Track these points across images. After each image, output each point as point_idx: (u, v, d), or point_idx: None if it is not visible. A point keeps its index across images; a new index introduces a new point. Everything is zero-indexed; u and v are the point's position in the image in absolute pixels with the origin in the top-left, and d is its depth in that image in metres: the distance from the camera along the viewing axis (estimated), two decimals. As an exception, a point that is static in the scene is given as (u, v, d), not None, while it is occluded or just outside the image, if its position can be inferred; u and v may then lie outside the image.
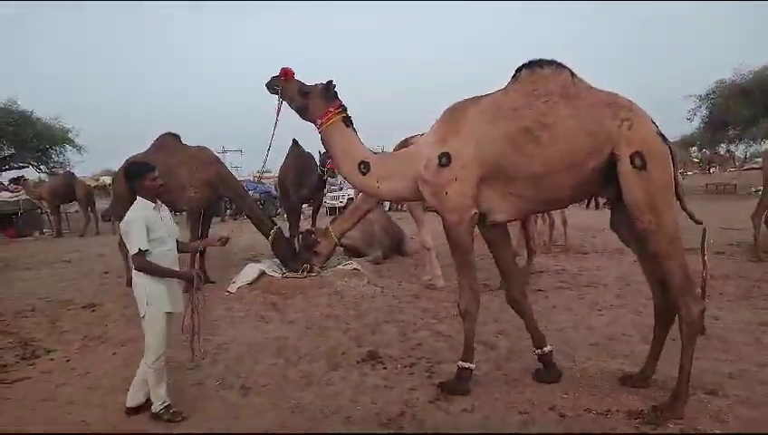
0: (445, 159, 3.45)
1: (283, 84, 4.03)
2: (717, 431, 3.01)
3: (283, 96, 4.04)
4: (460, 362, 3.72)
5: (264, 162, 4.35)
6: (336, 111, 3.87)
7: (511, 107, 3.36)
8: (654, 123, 3.28)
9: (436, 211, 3.79)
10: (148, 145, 7.85)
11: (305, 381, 4.02)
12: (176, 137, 7.75)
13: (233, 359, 4.51)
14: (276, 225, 7.30)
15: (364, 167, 3.84)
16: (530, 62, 3.45)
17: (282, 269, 7.14)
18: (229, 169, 8.30)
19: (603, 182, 3.30)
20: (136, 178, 3.57)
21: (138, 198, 3.56)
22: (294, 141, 8.86)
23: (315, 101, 3.91)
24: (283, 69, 4.06)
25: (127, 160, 7.83)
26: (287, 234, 8.05)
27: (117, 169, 8.43)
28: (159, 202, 3.62)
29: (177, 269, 3.57)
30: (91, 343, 5.12)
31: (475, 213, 3.48)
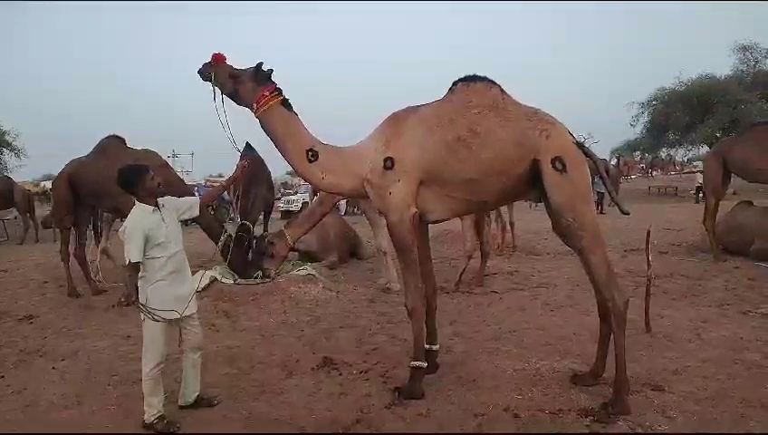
0: (389, 163, 3.61)
1: (213, 69, 3.85)
2: (664, 427, 3.10)
3: (215, 82, 3.85)
4: (412, 362, 3.76)
5: (233, 142, 3.99)
6: (271, 94, 3.78)
7: (447, 117, 3.61)
8: (570, 134, 3.61)
9: (379, 212, 3.86)
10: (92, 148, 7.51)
11: (258, 390, 3.91)
12: (120, 140, 7.44)
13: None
14: (226, 230, 7.11)
15: (312, 155, 3.81)
16: (465, 77, 3.75)
17: (234, 276, 6.95)
18: (180, 173, 8.04)
19: (528, 186, 3.60)
20: (135, 183, 3.40)
21: (136, 202, 3.40)
22: (247, 144, 8.66)
23: (246, 85, 3.79)
24: (214, 54, 3.88)
25: (68, 164, 7.49)
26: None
27: (57, 174, 8.01)
28: (161, 203, 3.46)
29: (186, 271, 3.53)
30: (27, 358, 4.83)
31: (416, 212, 3.64)
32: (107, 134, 7.53)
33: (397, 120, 3.78)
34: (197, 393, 3.63)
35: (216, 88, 3.84)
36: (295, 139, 3.83)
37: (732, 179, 8.55)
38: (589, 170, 3.51)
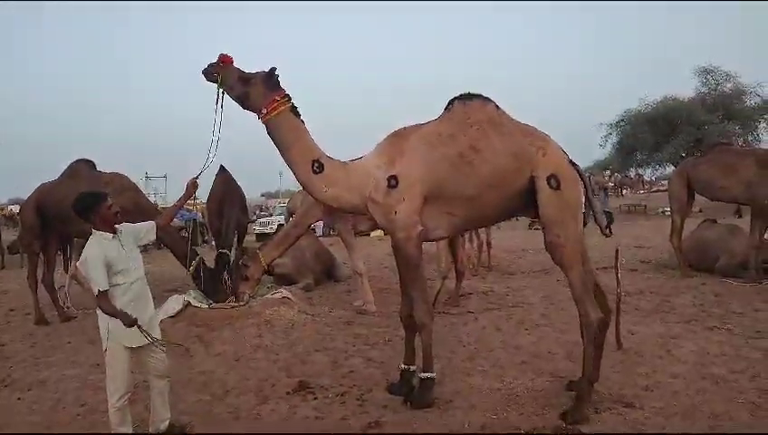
0: (393, 181, 3.67)
1: (221, 71, 3.75)
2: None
3: (222, 84, 3.76)
4: (422, 374, 3.84)
5: (207, 162, 3.82)
6: (282, 100, 3.75)
7: (448, 134, 3.70)
8: (564, 152, 3.74)
9: (384, 231, 3.98)
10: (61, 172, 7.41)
11: (232, 416, 3.85)
12: (89, 163, 7.35)
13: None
14: (198, 254, 7.01)
15: (318, 166, 3.80)
16: (461, 95, 3.85)
17: (208, 300, 6.84)
18: (154, 196, 7.95)
19: (526, 202, 3.69)
20: (90, 210, 3.29)
21: (93, 231, 3.30)
22: (221, 167, 8.62)
23: (258, 89, 3.73)
24: (221, 55, 3.78)
25: (37, 189, 7.36)
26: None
27: (26, 198, 7.85)
28: (119, 229, 3.37)
29: (147, 297, 3.43)
30: (-8, 388, 4.67)
31: (422, 229, 3.71)
32: (76, 158, 7.46)
33: (399, 138, 3.85)
34: (168, 421, 3.55)
35: (221, 91, 3.76)
36: (302, 147, 3.82)
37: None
38: (581, 189, 3.66)
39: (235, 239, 7.92)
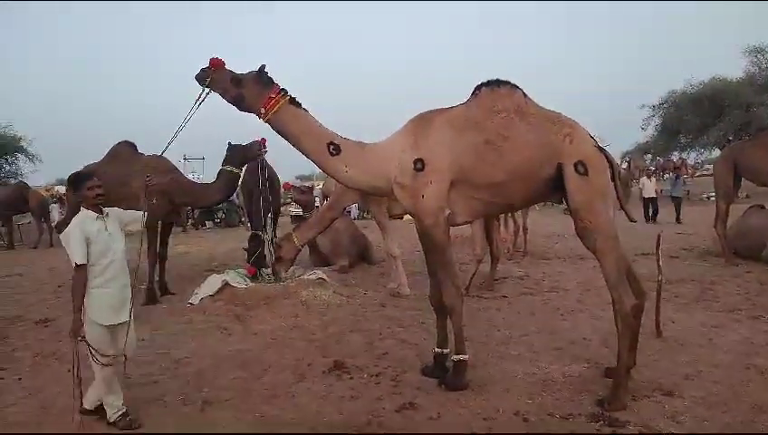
0: (419, 165, 3.64)
1: (212, 75, 3.79)
2: (674, 432, 3.09)
3: (213, 87, 3.81)
4: (455, 357, 3.86)
5: (165, 149, 4.12)
6: (278, 96, 3.77)
7: (474, 120, 3.64)
8: (592, 138, 3.69)
9: (410, 215, 3.97)
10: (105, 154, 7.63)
11: (270, 394, 3.94)
12: (131, 145, 7.55)
13: (194, 373, 4.38)
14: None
15: (334, 148, 3.81)
16: (488, 81, 3.78)
17: (245, 280, 7.00)
18: (192, 177, 8.12)
19: (552, 189, 3.67)
20: (77, 188, 3.54)
21: (81, 208, 3.50)
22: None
23: (251, 89, 3.76)
24: (211, 59, 3.83)
25: (77, 171, 7.60)
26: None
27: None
28: (106, 212, 3.53)
29: (124, 280, 3.53)
30: (43, 361, 4.90)
31: (449, 213, 3.69)
32: (118, 140, 7.66)
33: (423, 121, 3.81)
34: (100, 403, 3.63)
35: (205, 93, 3.83)
36: (312, 134, 3.84)
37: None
38: (609, 174, 3.59)
39: (270, 221, 8.07)
